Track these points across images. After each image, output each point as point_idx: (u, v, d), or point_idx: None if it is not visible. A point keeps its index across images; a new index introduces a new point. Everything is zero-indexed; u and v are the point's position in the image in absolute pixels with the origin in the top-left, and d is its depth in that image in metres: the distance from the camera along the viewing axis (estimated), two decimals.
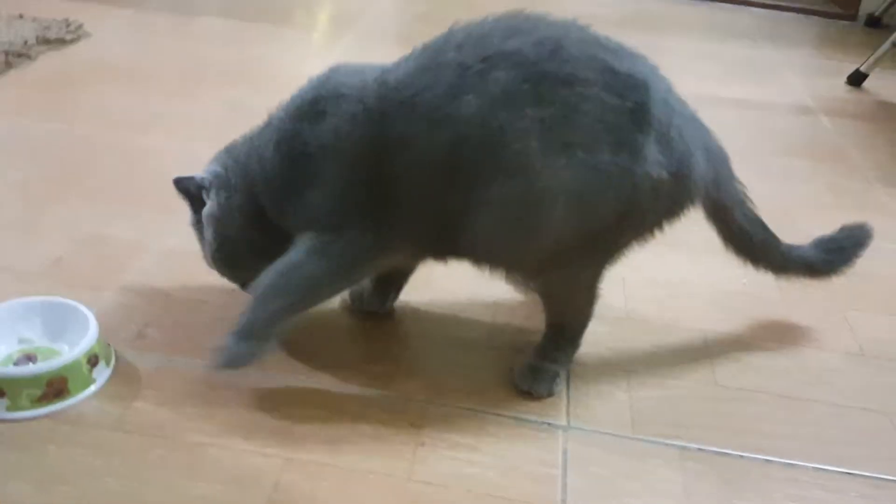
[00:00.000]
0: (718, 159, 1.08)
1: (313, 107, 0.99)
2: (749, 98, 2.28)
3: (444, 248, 1.04)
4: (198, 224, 1.10)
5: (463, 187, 0.94)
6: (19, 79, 1.96)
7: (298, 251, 0.99)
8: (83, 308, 1.07)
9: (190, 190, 1.07)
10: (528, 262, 1.02)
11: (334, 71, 1.04)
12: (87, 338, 1.02)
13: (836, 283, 1.27)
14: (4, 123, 1.73)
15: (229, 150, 1.09)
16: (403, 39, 2.50)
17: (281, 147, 1.01)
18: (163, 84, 2.03)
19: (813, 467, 1.00)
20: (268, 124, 1.06)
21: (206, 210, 1.07)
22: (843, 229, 1.25)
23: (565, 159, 0.91)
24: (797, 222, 1.58)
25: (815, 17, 3.21)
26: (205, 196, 1.07)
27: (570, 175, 0.92)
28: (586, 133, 0.92)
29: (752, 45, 2.80)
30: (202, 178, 1.07)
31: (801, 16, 3.23)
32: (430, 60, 0.96)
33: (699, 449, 1.01)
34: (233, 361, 0.99)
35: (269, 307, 0.99)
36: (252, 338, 0.99)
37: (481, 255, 1.03)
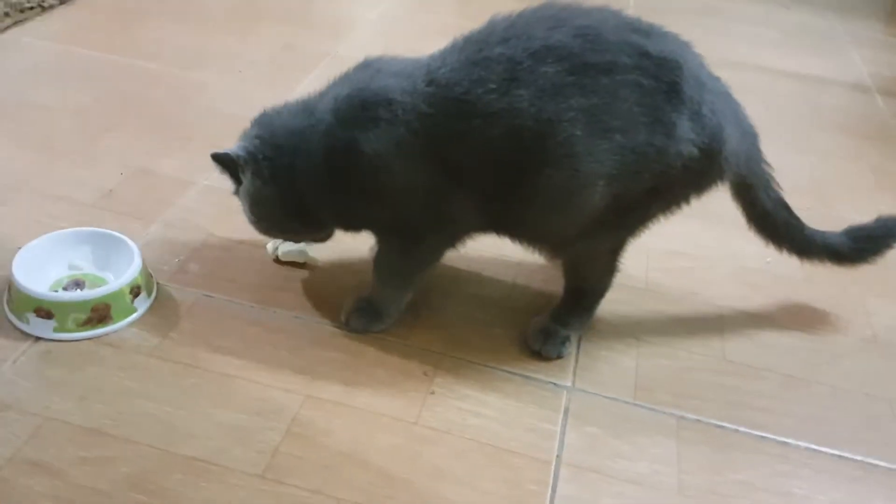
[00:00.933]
0: (750, 137, 1.10)
1: (364, 112, 1.00)
2: (804, 69, 2.24)
3: (492, 228, 1.10)
4: (237, 192, 1.13)
5: (514, 175, 0.99)
6: (85, 8, 2.03)
7: (395, 251, 1.11)
8: (129, 241, 1.15)
9: (226, 164, 1.08)
10: (563, 237, 1.07)
11: (376, 70, 1.04)
12: (132, 269, 1.10)
13: (861, 268, 1.28)
14: (67, 52, 1.81)
15: (267, 128, 1.07)
16: None
17: (334, 157, 1.02)
18: (220, 20, 2.08)
19: (805, 447, 1.04)
20: (310, 112, 1.05)
21: (241, 190, 1.10)
22: (878, 219, 1.25)
23: (606, 143, 0.96)
24: (833, 201, 1.60)
25: None
26: (240, 172, 1.08)
27: (610, 158, 0.97)
28: (625, 117, 0.96)
29: (817, 12, 2.72)
30: (237, 155, 1.06)
31: None
32: (477, 54, 0.98)
33: (697, 420, 1.05)
34: (362, 330, 1.13)
35: (385, 294, 1.13)
36: (376, 314, 1.13)
37: (523, 234, 1.09)
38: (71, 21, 1.95)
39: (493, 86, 0.96)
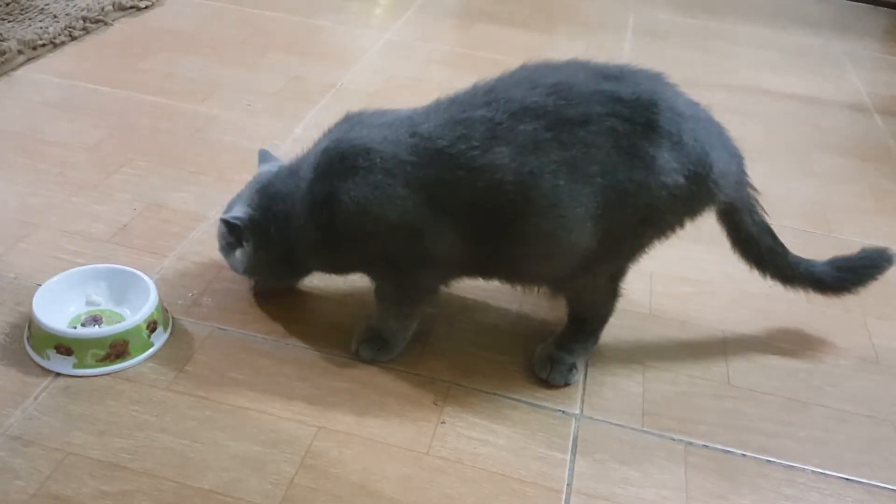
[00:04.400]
0: (736, 159, 1.13)
1: (342, 163, 1.06)
2: (803, 90, 2.27)
3: (484, 273, 1.15)
4: (224, 249, 1.20)
5: (500, 223, 1.04)
6: (96, 44, 2.07)
7: (390, 283, 1.15)
8: (145, 276, 1.18)
9: (233, 230, 1.15)
10: (557, 277, 1.11)
11: (356, 122, 1.10)
12: (148, 305, 1.12)
13: (861, 290, 1.30)
14: (79, 88, 1.84)
15: (265, 196, 1.14)
16: (463, 16, 2.54)
17: (317, 210, 1.08)
18: (229, 52, 2.12)
19: (812, 470, 1.05)
20: (295, 175, 1.12)
21: (241, 252, 1.17)
22: (862, 251, 1.27)
23: (588, 188, 1.01)
24: (833, 223, 1.62)
25: (886, 9, 3.10)
26: (243, 238, 1.15)
27: (593, 200, 1.01)
28: (604, 161, 1.01)
29: (815, 33, 2.76)
30: (243, 223, 1.13)
31: (870, 6, 3.14)
32: (460, 114, 1.04)
33: (704, 445, 1.07)
34: (371, 359, 1.15)
35: (390, 325, 1.16)
36: (383, 344, 1.16)
37: (515, 277, 1.14)
38: (82, 57, 1.99)
39: (475, 143, 1.02)
